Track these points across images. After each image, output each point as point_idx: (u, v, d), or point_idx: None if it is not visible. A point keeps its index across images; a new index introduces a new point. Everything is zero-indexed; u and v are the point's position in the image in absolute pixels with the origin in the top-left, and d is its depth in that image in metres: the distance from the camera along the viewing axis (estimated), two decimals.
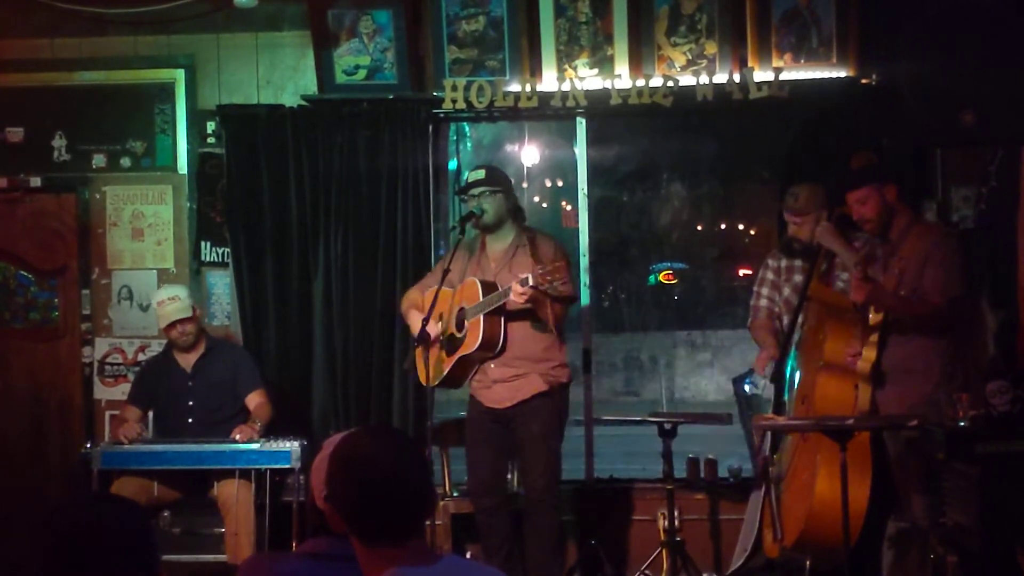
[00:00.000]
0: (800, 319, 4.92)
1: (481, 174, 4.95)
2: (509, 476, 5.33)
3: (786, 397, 4.88)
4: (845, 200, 4.70)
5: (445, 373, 4.94)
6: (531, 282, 4.51)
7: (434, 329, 4.84)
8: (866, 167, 4.71)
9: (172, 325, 5.36)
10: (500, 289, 4.78)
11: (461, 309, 4.90)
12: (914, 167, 5.52)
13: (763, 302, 5.31)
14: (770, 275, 5.31)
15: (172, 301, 5.38)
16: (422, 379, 4.94)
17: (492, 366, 4.88)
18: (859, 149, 4.98)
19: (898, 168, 4.95)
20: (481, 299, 4.79)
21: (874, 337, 4.52)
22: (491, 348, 4.81)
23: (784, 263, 5.27)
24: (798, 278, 5.11)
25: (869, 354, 4.53)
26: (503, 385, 4.87)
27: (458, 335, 4.91)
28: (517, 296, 4.59)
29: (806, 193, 5.05)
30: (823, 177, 5.19)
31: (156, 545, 2.00)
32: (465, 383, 5.03)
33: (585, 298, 5.84)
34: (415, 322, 4.94)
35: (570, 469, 5.86)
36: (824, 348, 4.67)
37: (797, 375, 4.90)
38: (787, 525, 4.69)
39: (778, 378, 4.91)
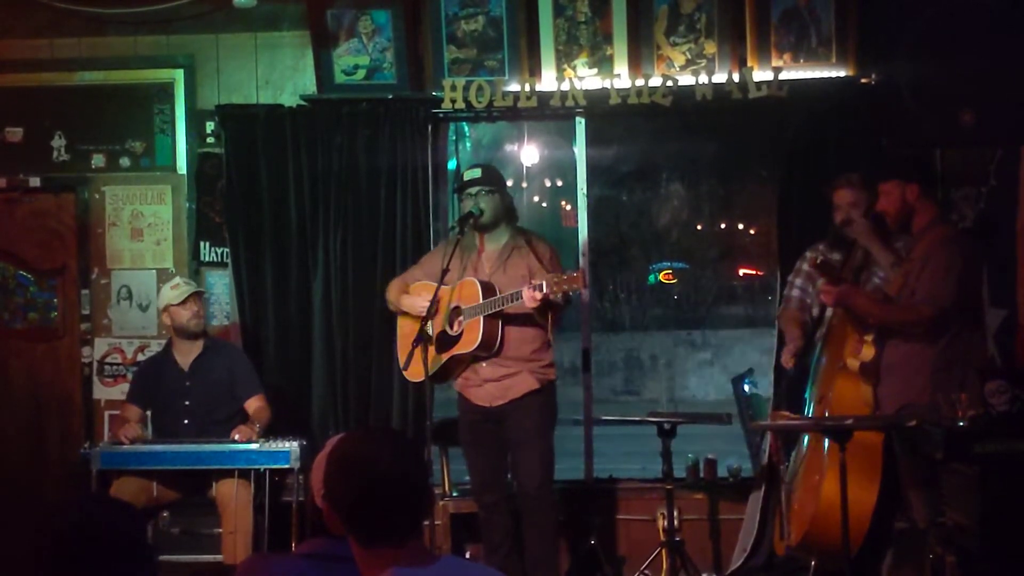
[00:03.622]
0: (828, 314, 4.88)
1: (477, 173, 4.95)
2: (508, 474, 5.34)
3: (807, 394, 4.86)
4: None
5: (435, 370, 4.93)
6: (545, 289, 4.52)
7: (432, 327, 4.84)
8: (896, 160, 4.67)
9: (187, 301, 5.37)
10: (498, 290, 4.78)
11: (456, 308, 4.90)
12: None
13: (795, 292, 5.24)
14: (806, 267, 5.22)
15: (187, 284, 5.47)
16: (411, 375, 4.93)
17: (483, 365, 4.88)
18: (868, 149, 4.94)
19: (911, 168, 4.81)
20: (481, 300, 4.79)
21: (869, 336, 4.51)
22: (489, 348, 4.82)
23: (822, 257, 5.19)
24: None
25: (866, 352, 4.52)
26: (494, 384, 4.87)
27: (451, 333, 4.91)
28: (530, 302, 4.59)
29: (858, 175, 4.96)
30: (821, 176, 5.18)
31: (151, 546, 2.01)
32: (451, 380, 5.04)
33: (585, 298, 5.84)
34: (411, 306, 4.93)
35: (569, 469, 5.87)
36: (844, 349, 4.64)
37: (820, 372, 4.86)
38: (794, 524, 4.69)
39: (800, 371, 4.89)
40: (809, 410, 4.80)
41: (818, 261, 4.67)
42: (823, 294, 4.59)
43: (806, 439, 4.85)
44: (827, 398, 4.64)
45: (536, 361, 4.88)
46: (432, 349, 4.90)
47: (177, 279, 5.55)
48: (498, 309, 4.75)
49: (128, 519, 1.98)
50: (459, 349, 4.87)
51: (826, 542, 4.43)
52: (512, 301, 4.69)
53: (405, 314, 5.09)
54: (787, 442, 5.00)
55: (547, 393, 4.92)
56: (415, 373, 4.89)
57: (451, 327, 4.92)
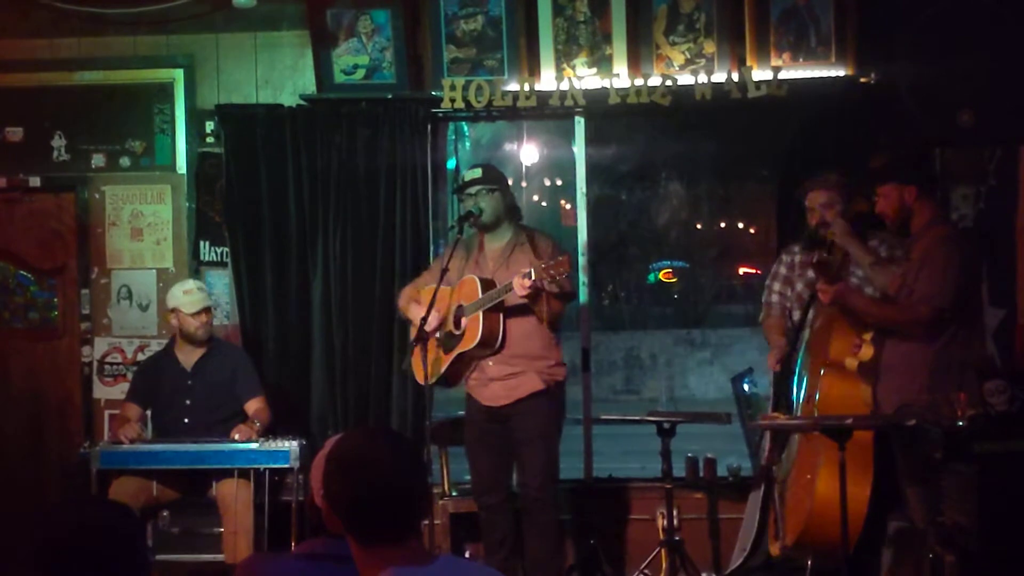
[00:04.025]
0: (810, 316, 4.89)
1: (478, 173, 4.95)
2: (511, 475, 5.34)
3: (794, 396, 4.87)
4: (866, 192, 4.71)
5: (443, 371, 4.94)
6: (533, 276, 4.52)
7: (432, 327, 4.84)
8: (893, 163, 4.65)
9: (199, 313, 5.39)
10: (499, 286, 4.78)
11: (459, 306, 4.91)
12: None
13: (774, 298, 5.27)
14: (783, 270, 5.26)
15: (200, 291, 5.47)
16: (419, 378, 4.94)
17: (490, 364, 4.88)
18: (847, 151, 4.96)
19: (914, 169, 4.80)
20: (480, 296, 4.79)
21: (868, 335, 4.51)
22: (490, 345, 4.82)
23: (798, 258, 5.19)
24: (811, 273, 5.07)
25: (865, 351, 4.52)
26: (500, 383, 4.87)
27: (456, 332, 4.91)
28: (520, 290, 4.59)
29: (835, 175, 5.01)
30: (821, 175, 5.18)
31: (147, 548, 2.02)
32: (461, 381, 5.03)
33: (584, 297, 5.84)
34: (416, 315, 4.94)
35: (569, 468, 5.87)
36: (830, 347, 4.65)
37: (806, 374, 4.88)
38: (788, 524, 4.69)
39: (785, 375, 4.90)
40: (797, 411, 4.81)
41: (815, 260, 4.67)
42: (820, 293, 4.59)
43: (795, 439, 4.87)
44: (814, 398, 4.65)
45: (543, 360, 4.87)
46: (440, 350, 4.92)
47: (191, 284, 5.52)
48: (495, 302, 4.75)
49: (125, 522, 1.99)
50: (462, 347, 4.87)
51: (822, 540, 4.43)
52: (506, 292, 4.69)
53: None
54: (778, 443, 5.01)
55: (553, 394, 4.90)
56: (418, 373, 4.89)
57: (456, 326, 4.92)
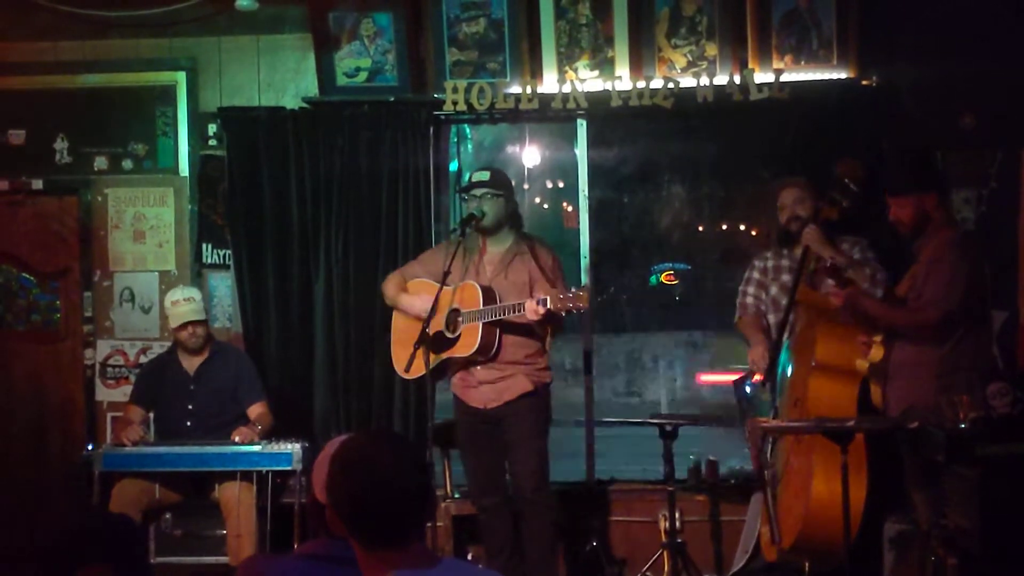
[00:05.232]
0: (790, 320, 4.91)
1: (485, 175, 4.95)
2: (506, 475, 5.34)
3: (778, 401, 4.88)
4: (831, 198, 4.73)
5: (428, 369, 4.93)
6: (548, 305, 4.53)
7: (433, 329, 4.84)
8: (911, 175, 4.60)
9: (183, 326, 5.38)
10: (498, 295, 4.79)
11: (455, 310, 4.90)
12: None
13: (749, 299, 5.32)
14: (756, 275, 5.32)
15: (187, 302, 5.42)
16: (401, 371, 4.96)
17: (479, 367, 4.89)
18: (848, 154, 4.97)
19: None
20: (481, 306, 4.79)
21: (878, 337, 4.51)
22: (486, 353, 4.83)
23: (771, 263, 5.27)
24: (785, 278, 5.11)
25: (875, 353, 4.52)
26: (490, 386, 4.88)
27: (449, 335, 4.91)
28: (532, 315, 4.60)
29: (799, 178, 5.08)
30: (823, 178, 5.19)
31: (147, 556, 2.03)
32: (444, 379, 5.05)
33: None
34: (410, 305, 4.97)
35: (571, 470, 5.88)
36: (815, 350, 4.66)
37: (788, 377, 4.88)
38: (784, 527, 4.68)
39: (769, 380, 4.91)
40: (782, 415, 4.81)
41: (828, 265, 4.68)
42: (832, 296, 4.59)
43: (780, 441, 4.86)
44: (803, 400, 4.65)
45: (531, 364, 4.89)
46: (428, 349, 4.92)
47: (179, 294, 5.48)
48: (499, 318, 4.75)
49: (126, 530, 1.99)
50: (456, 352, 4.88)
51: (820, 541, 4.42)
52: (514, 312, 4.69)
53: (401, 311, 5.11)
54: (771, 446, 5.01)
55: (541, 395, 4.92)
56: (413, 370, 4.89)
57: (449, 329, 4.92)
